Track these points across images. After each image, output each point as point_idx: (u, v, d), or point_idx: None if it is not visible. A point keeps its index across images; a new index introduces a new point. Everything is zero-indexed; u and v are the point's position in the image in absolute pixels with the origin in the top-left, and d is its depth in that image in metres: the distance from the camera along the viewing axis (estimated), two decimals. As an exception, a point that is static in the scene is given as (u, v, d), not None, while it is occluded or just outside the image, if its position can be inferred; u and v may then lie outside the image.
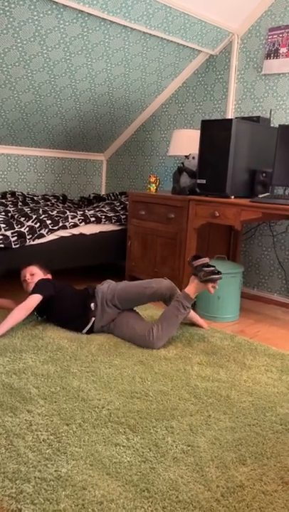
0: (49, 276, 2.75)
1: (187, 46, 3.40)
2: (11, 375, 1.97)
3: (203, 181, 2.88)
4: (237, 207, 2.71)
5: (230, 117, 3.40)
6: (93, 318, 2.45)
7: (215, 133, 2.80)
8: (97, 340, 2.39)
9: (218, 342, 2.46)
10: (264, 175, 2.86)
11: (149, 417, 1.71)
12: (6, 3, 2.50)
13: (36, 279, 2.61)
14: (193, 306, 2.95)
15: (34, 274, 2.67)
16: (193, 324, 2.68)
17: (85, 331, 2.47)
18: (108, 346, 2.33)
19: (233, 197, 2.81)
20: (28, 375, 1.98)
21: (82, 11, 2.75)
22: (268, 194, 2.76)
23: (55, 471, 1.38)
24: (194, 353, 2.30)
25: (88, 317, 2.46)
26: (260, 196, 2.73)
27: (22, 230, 2.89)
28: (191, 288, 2.43)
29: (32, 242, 2.96)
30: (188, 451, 1.51)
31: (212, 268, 2.42)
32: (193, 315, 2.68)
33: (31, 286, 2.57)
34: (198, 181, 2.91)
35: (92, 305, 2.46)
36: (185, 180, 3.12)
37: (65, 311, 2.52)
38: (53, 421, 1.65)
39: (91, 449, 1.50)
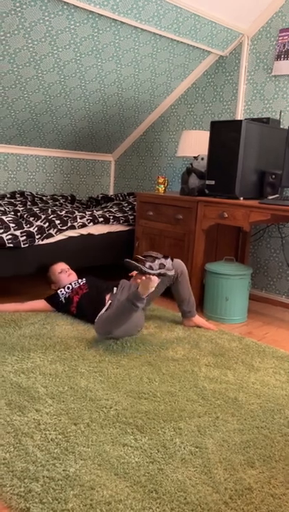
0: (73, 276, 2.93)
1: (197, 47, 3.39)
2: (19, 374, 1.97)
3: (212, 182, 2.87)
4: (246, 208, 2.70)
5: (239, 118, 3.39)
6: (109, 302, 2.55)
7: (224, 134, 2.79)
8: (104, 340, 2.39)
9: (226, 344, 2.45)
10: (273, 176, 2.85)
11: (157, 417, 1.70)
12: (18, 4, 2.52)
13: (73, 276, 2.91)
14: (201, 308, 2.95)
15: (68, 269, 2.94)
16: (200, 327, 2.67)
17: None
18: (115, 346, 2.33)
19: (242, 198, 2.80)
20: (36, 374, 1.99)
21: (92, 12, 2.76)
22: (277, 196, 2.75)
23: (64, 470, 1.39)
24: (202, 354, 2.30)
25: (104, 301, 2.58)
26: (270, 198, 2.72)
27: (31, 229, 2.90)
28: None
29: (41, 242, 2.97)
30: (196, 453, 1.51)
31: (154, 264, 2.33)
32: (199, 320, 2.68)
33: (71, 278, 2.88)
34: (207, 182, 2.90)
35: (108, 295, 2.61)
36: (194, 181, 3.11)
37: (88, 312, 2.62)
38: (61, 420, 1.65)
39: (99, 449, 1.50)
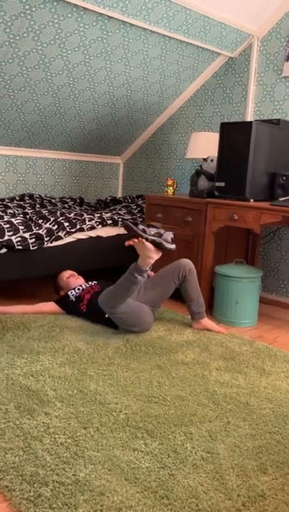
0: (81, 280, 2.94)
1: (206, 49, 3.38)
2: (28, 377, 1.96)
3: (222, 184, 2.85)
4: (256, 210, 2.67)
5: (249, 120, 3.37)
6: None
7: (234, 136, 2.77)
8: (113, 343, 2.38)
9: (236, 347, 2.42)
10: (284, 178, 2.82)
11: (168, 422, 1.68)
12: (27, 7, 2.52)
13: (80, 279, 2.92)
14: (210, 311, 2.93)
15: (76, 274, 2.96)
16: (210, 330, 2.64)
17: (107, 315, 2.52)
18: (125, 349, 2.31)
19: (252, 200, 2.77)
20: (45, 377, 1.97)
21: (101, 14, 2.76)
22: (288, 197, 2.72)
23: (73, 475, 1.37)
24: (212, 358, 2.27)
25: None
26: (280, 199, 2.69)
27: (40, 232, 2.90)
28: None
29: (50, 244, 2.96)
30: (207, 458, 1.48)
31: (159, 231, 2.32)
32: (209, 323, 2.65)
33: (79, 281, 2.89)
34: (217, 184, 2.88)
35: None
36: (203, 183, 3.09)
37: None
38: (70, 424, 1.63)
39: (109, 453, 1.48)
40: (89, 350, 2.28)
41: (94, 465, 1.42)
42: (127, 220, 3.41)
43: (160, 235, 2.32)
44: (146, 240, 2.30)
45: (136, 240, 2.28)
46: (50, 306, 2.79)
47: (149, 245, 2.28)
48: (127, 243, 2.31)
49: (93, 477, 1.36)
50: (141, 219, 3.48)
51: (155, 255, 2.32)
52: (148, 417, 1.71)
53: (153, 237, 2.30)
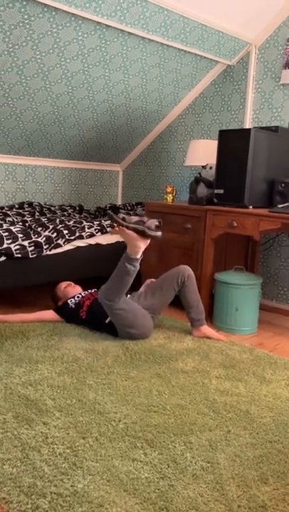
0: (79, 288, 2.93)
1: (204, 57, 3.39)
2: (26, 386, 1.94)
3: (221, 191, 2.85)
4: (255, 217, 2.67)
5: (248, 127, 3.38)
6: None
7: (233, 143, 2.77)
8: (113, 351, 2.36)
9: (236, 355, 2.40)
10: (283, 185, 2.82)
11: (167, 431, 1.66)
12: (26, 16, 2.54)
13: (78, 288, 2.91)
14: (210, 319, 2.91)
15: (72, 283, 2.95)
16: (209, 337, 2.63)
17: (108, 320, 2.53)
18: (124, 358, 2.29)
19: (251, 207, 2.77)
20: (44, 386, 1.96)
21: (100, 23, 2.77)
22: (287, 204, 2.71)
23: (72, 486, 1.35)
24: (212, 366, 2.25)
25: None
26: (279, 206, 2.69)
27: (39, 239, 2.90)
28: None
29: (49, 252, 2.96)
30: (207, 468, 1.46)
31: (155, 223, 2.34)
32: (208, 330, 2.64)
33: (77, 289, 2.87)
34: (216, 191, 2.88)
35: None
36: (202, 190, 3.09)
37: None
38: (69, 434, 1.62)
39: (108, 463, 1.46)
40: (88, 358, 2.26)
41: (92, 476, 1.40)
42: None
43: (143, 223, 2.34)
44: (127, 227, 2.32)
45: (116, 229, 2.34)
46: (49, 314, 2.77)
47: (131, 233, 2.32)
48: (109, 231, 2.35)
49: (92, 488, 1.34)
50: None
51: (141, 243, 2.35)
52: (147, 426, 1.69)
53: (134, 225, 2.33)
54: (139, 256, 2.39)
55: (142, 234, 2.34)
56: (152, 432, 1.65)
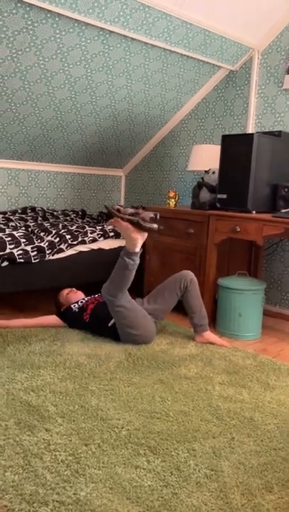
0: (81, 294, 2.92)
1: (207, 62, 3.40)
2: (29, 392, 1.93)
3: (224, 196, 2.84)
4: (259, 222, 2.66)
5: (250, 132, 3.37)
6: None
7: (236, 148, 2.77)
8: (115, 357, 2.35)
9: (240, 361, 2.39)
10: (286, 190, 2.81)
11: (170, 438, 1.65)
12: (30, 22, 2.55)
13: (80, 293, 2.89)
14: (213, 324, 2.90)
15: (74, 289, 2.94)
16: (213, 343, 2.61)
17: (110, 323, 2.55)
18: (126, 364, 2.28)
19: (254, 212, 2.76)
20: (46, 392, 1.94)
21: (103, 29, 2.78)
22: (290, 209, 2.70)
23: (74, 494, 1.33)
24: (216, 372, 2.24)
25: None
26: (283, 211, 2.68)
27: (42, 244, 2.89)
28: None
29: (51, 257, 2.95)
30: (211, 476, 1.45)
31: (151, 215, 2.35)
32: (211, 336, 2.63)
33: (79, 295, 2.86)
34: (219, 196, 2.87)
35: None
36: (205, 195, 3.09)
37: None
38: (71, 441, 1.60)
39: (110, 471, 1.45)
40: (90, 364, 2.25)
41: (95, 483, 1.39)
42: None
43: (138, 215, 2.35)
44: (122, 219, 2.33)
45: (112, 220, 2.37)
46: (52, 318, 2.76)
47: (126, 224, 2.33)
48: (106, 225, 2.35)
49: (94, 496, 1.33)
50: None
51: (138, 236, 2.34)
52: (150, 433, 1.67)
53: (129, 217, 2.33)
54: (137, 250, 2.37)
55: (138, 226, 2.33)
56: (155, 438, 1.64)
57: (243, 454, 1.57)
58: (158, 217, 2.34)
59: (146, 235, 2.38)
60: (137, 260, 2.40)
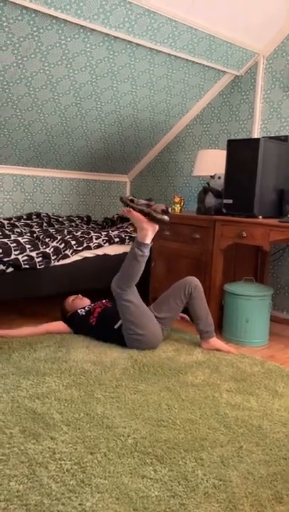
0: (87, 301, 2.89)
1: (212, 67, 3.39)
2: (34, 400, 1.91)
3: (230, 201, 2.82)
4: (265, 227, 2.64)
5: (256, 137, 3.36)
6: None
7: (242, 152, 2.75)
8: (121, 364, 2.32)
9: (247, 368, 2.35)
10: (293, 195, 2.79)
11: (178, 447, 1.62)
12: (35, 28, 2.55)
13: (86, 300, 2.88)
14: (220, 331, 2.87)
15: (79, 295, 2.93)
16: (219, 350, 2.58)
17: (117, 325, 2.56)
18: (132, 371, 2.25)
19: (260, 217, 2.74)
20: (51, 399, 1.92)
21: (108, 35, 2.78)
22: (297, 214, 2.68)
23: (80, 504, 1.31)
24: (223, 379, 2.21)
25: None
26: (290, 216, 2.65)
27: (47, 250, 2.88)
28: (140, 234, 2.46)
29: (56, 263, 2.94)
30: (220, 486, 1.42)
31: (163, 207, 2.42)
32: (218, 343, 2.60)
33: (85, 301, 2.84)
34: (225, 201, 2.85)
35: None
36: (210, 200, 3.07)
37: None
38: (77, 449, 1.58)
39: (117, 481, 1.42)
40: (96, 371, 2.23)
41: (101, 493, 1.36)
42: (135, 237, 3.39)
43: (149, 206, 2.43)
44: (134, 209, 2.43)
45: (124, 210, 2.45)
46: (58, 325, 2.73)
47: (137, 214, 2.41)
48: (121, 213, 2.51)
49: (100, 507, 1.30)
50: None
51: (149, 226, 2.41)
52: (157, 441, 1.64)
53: (140, 207, 2.42)
54: (147, 241, 2.42)
55: (149, 217, 2.40)
56: (162, 447, 1.61)
57: (251, 464, 1.54)
58: (168, 210, 2.42)
59: (157, 227, 2.45)
60: (146, 252, 2.43)
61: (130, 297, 2.46)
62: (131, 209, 2.44)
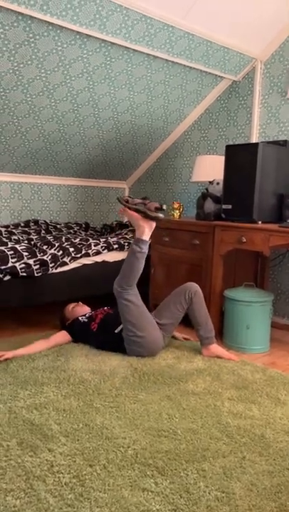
0: (87, 308, 2.87)
1: (210, 73, 3.39)
2: (31, 410, 1.87)
3: (229, 206, 2.80)
4: (265, 232, 2.61)
5: (254, 142, 3.34)
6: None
7: (240, 158, 2.74)
8: (120, 372, 2.28)
9: (248, 375, 2.32)
10: (292, 199, 2.77)
11: (179, 458, 1.58)
12: (31, 35, 2.54)
13: (86, 307, 2.87)
14: (220, 337, 2.83)
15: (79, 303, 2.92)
16: (220, 357, 2.55)
17: (117, 330, 2.54)
18: (132, 379, 2.21)
19: (260, 222, 2.71)
20: (49, 410, 1.88)
21: (105, 41, 2.77)
22: (297, 219, 2.66)
23: (78, 519, 1.27)
24: (224, 387, 2.17)
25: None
26: (289, 221, 2.63)
27: (44, 258, 2.85)
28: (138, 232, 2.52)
29: (54, 271, 2.91)
30: (222, 499, 1.38)
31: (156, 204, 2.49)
32: (218, 350, 2.56)
33: (85, 309, 2.83)
34: (224, 207, 2.83)
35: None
36: (209, 205, 3.04)
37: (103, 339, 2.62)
38: (75, 461, 1.54)
39: (117, 494, 1.38)
40: (95, 380, 2.19)
41: (100, 508, 1.32)
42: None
43: (144, 205, 2.51)
44: (130, 208, 2.52)
45: (121, 210, 2.55)
46: (64, 335, 2.66)
47: (133, 213, 2.50)
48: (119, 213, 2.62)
49: (100, 522, 1.26)
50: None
51: (144, 223, 2.48)
52: (158, 452, 1.61)
53: (136, 206, 2.52)
54: (144, 237, 2.47)
55: (144, 215, 2.49)
56: (163, 458, 1.57)
57: (255, 475, 1.50)
58: (164, 207, 2.49)
59: (154, 224, 2.52)
60: (145, 249, 2.48)
61: (130, 297, 2.47)
62: (126, 208, 2.53)
